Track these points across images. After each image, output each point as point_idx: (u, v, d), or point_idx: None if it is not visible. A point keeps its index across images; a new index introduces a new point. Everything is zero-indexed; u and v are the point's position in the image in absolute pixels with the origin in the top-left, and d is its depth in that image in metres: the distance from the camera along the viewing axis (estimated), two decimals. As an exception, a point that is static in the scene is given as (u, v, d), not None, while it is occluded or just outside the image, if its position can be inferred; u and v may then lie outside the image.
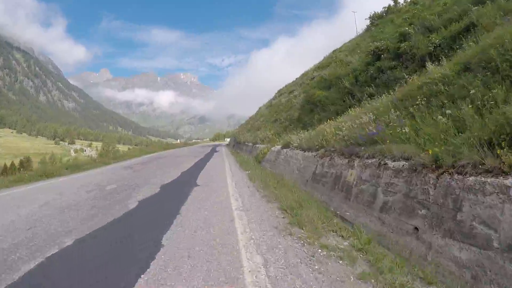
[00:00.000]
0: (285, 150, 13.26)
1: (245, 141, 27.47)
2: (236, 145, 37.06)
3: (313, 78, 28.40)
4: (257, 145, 20.44)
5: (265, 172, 14.06)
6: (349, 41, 31.43)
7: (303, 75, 36.30)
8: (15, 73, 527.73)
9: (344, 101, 15.53)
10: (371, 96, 13.38)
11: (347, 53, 22.70)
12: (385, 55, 15.52)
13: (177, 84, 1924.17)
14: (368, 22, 27.89)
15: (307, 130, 14.81)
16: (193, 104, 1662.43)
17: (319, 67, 31.63)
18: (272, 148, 15.67)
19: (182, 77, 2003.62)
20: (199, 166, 18.27)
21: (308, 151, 10.18)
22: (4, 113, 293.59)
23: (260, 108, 43.87)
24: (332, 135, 8.66)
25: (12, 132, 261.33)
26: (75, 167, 17.98)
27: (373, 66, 15.55)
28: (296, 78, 41.00)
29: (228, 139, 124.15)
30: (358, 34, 32.14)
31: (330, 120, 11.52)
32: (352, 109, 11.03)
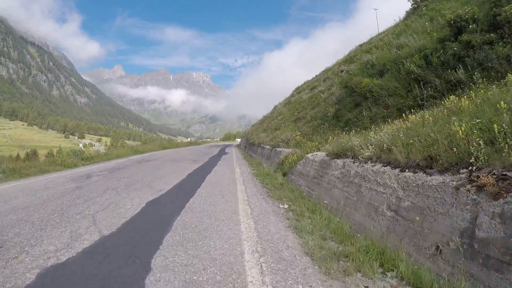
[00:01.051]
0: (340, 161, 7.58)
1: (260, 143, 22.68)
2: (249, 146, 32.38)
3: (342, 71, 24.04)
4: (279, 149, 15.22)
5: (308, 202, 7.83)
6: (378, 35, 27.13)
7: (326, 70, 31.94)
8: (29, 67, 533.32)
9: (409, 92, 10.79)
10: (458, 84, 8.79)
11: (394, 36, 17.87)
12: (472, 26, 10.67)
13: (189, 83, 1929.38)
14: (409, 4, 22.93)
15: (355, 131, 10.10)
16: (205, 103, 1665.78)
17: (346, 60, 27.26)
18: (309, 156, 10.20)
19: (194, 76, 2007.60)
20: (193, 183, 11.00)
21: (415, 170, 4.81)
22: (16, 105, 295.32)
23: (275, 106, 39.19)
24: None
25: (23, 125, 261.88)
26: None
27: (455, 42, 10.70)
28: (317, 75, 36.89)
29: (239, 139, 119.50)
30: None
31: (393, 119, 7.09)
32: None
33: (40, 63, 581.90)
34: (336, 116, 13.83)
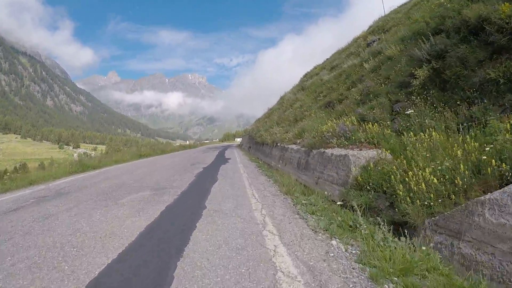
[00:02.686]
0: None
1: (276, 141, 15.23)
2: (254, 146, 25.39)
3: (373, 41, 18.24)
4: (335, 153, 7.23)
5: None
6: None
7: (345, 48, 25.40)
8: (21, 78, 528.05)
9: None
10: None
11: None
12: None
13: (185, 85, 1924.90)
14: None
15: None
16: (202, 105, 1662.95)
17: (373, 31, 21.68)
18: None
19: (190, 78, 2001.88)
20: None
21: None
22: (9, 119, 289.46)
23: (282, 96, 32.25)
24: None
25: (16, 138, 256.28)
26: None
27: None
28: (328, 58, 30.53)
29: (239, 139, 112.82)
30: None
31: None
32: None
33: (32, 73, 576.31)
34: (439, 80, 6.98)
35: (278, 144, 14.39)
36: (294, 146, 11.62)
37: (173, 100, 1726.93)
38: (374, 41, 18.48)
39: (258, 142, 22.02)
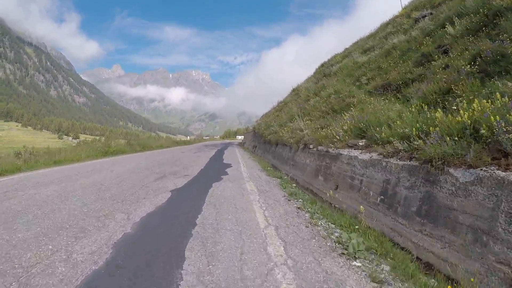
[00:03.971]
0: None
1: (305, 142, 10.50)
2: (262, 146, 21.45)
3: (419, 18, 14.39)
4: None
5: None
6: None
7: (378, 31, 21.64)
8: (26, 68, 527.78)
9: None
10: None
11: None
12: None
13: (189, 81, 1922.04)
14: None
15: None
16: (204, 101, 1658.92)
17: (417, 7, 17.41)
18: None
19: (193, 74, 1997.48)
20: None
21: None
22: (12, 106, 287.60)
23: (295, 88, 28.18)
24: None
25: (17, 126, 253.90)
26: None
27: None
28: (353, 43, 26.74)
29: (240, 137, 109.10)
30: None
31: None
32: None
33: (37, 63, 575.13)
34: None
35: (312, 148, 9.39)
36: (361, 155, 6.23)
37: (176, 95, 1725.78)
38: (424, 16, 14.80)
39: (269, 141, 17.83)
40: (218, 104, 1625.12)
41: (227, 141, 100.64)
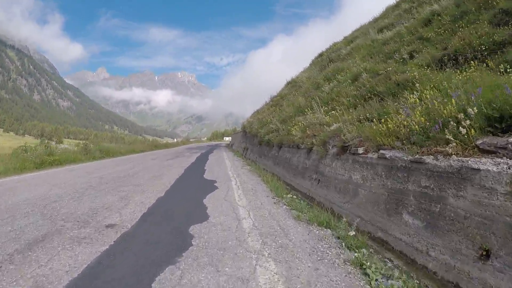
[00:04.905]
0: None
1: (345, 146, 6.06)
2: (257, 148, 17.37)
3: None
4: None
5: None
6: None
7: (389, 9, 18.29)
8: (8, 72, 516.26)
9: None
10: None
11: None
12: None
13: (175, 83, 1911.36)
14: None
15: None
16: (191, 103, 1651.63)
17: None
18: None
19: (179, 76, 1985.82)
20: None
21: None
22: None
23: (296, 77, 24.57)
24: None
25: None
26: None
27: None
28: (356, 30, 23.35)
29: (227, 138, 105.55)
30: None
31: None
32: None
33: (20, 67, 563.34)
34: None
35: (362, 153, 5.30)
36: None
37: (162, 97, 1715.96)
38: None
39: (267, 142, 13.90)
40: (205, 106, 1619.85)
41: (214, 142, 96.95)
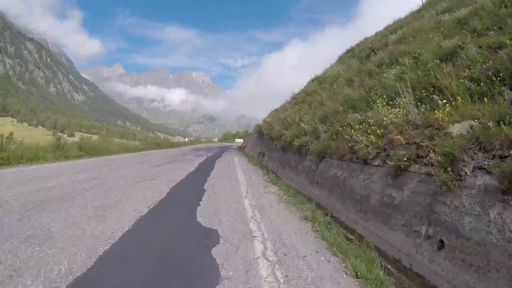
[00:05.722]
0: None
1: None
2: (277, 155, 13.67)
3: None
4: None
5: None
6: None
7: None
8: (26, 63, 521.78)
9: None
10: None
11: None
12: None
13: (189, 82, 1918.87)
14: None
15: None
16: (204, 103, 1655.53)
17: None
18: None
19: (194, 75, 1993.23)
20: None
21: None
22: (8, 101, 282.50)
23: (324, 72, 20.73)
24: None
25: (12, 121, 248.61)
26: None
27: None
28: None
29: (239, 140, 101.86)
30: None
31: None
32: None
33: (38, 59, 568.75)
34: None
35: None
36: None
37: (176, 96, 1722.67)
38: None
39: (296, 149, 10.05)
40: (218, 106, 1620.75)
41: (225, 144, 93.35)
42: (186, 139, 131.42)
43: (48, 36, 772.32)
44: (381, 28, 21.48)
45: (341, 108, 8.32)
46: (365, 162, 5.44)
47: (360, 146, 5.63)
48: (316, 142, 8.20)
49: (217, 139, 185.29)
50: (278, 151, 13.77)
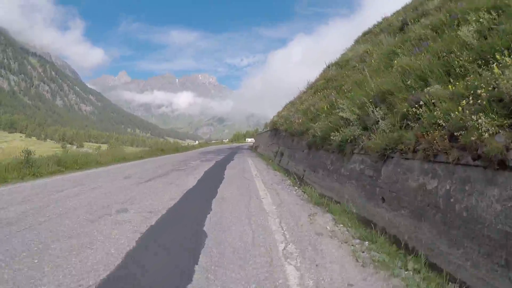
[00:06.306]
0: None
1: None
2: (305, 156, 10.80)
3: None
4: None
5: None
6: None
7: None
8: (30, 78, 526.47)
9: None
10: None
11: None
12: None
13: (195, 85, 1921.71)
14: None
15: None
16: (212, 105, 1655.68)
17: None
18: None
19: (200, 78, 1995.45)
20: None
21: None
22: (16, 118, 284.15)
23: (344, 53, 17.78)
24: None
25: (20, 137, 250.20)
26: None
27: None
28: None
29: (251, 139, 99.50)
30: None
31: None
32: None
33: (42, 73, 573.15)
34: None
35: None
36: None
37: (183, 100, 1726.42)
38: None
39: (336, 147, 7.05)
40: (226, 107, 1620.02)
41: (236, 144, 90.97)
42: (196, 142, 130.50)
43: (50, 49, 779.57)
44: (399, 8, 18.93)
45: (402, 84, 5.80)
46: (501, 165, 2.99)
47: (483, 135, 3.16)
48: (370, 134, 5.75)
49: (227, 140, 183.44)
50: (303, 150, 11.24)
